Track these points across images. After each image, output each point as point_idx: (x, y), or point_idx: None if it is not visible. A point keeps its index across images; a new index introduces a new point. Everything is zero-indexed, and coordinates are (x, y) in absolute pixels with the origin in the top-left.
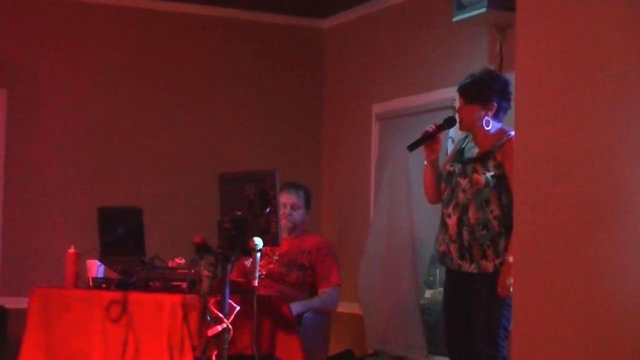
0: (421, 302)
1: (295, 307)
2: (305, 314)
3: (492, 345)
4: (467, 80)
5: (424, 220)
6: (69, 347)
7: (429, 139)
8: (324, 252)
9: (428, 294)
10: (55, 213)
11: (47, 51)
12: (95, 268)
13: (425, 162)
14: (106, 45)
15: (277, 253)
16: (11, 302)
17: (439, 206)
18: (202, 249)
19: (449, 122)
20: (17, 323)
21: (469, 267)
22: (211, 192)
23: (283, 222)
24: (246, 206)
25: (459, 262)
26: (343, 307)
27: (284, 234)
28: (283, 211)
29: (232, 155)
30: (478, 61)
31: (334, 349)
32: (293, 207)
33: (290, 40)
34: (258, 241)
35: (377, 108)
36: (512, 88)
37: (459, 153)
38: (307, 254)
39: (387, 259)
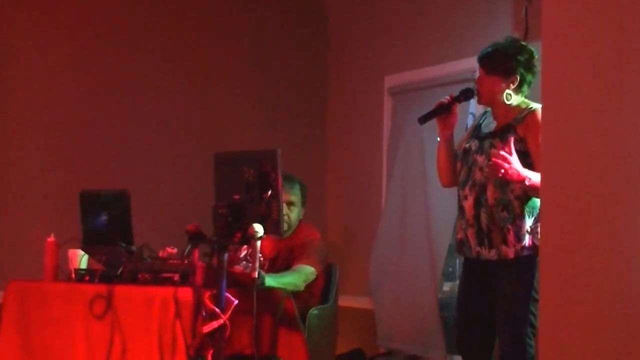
0: (439, 296)
1: (268, 280)
2: (311, 310)
3: (517, 344)
4: (489, 49)
5: (441, 206)
6: (49, 347)
7: (443, 112)
8: (307, 238)
9: (446, 287)
10: (32, 198)
11: (24, 24)
12: (78, 258)
13: (439, 139)
14: (89, 16)
15: (266, 259)
16: None
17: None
18: (195, 237)
19: (466, 94)
20: None
21: (488, 254)
22: (205, 174)
23: None
24: (244, 190)
25: (478, 248)
26: (352, 302)
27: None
28: None
29: (228, 134)
30: (501, 29)
31: (342, 347)
32: (289, 205)
33: (292, 7)
34: (258, 228)
35: (389, 81)
36: (539, 60)
37: (476, 129)
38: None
39: (401, 249)
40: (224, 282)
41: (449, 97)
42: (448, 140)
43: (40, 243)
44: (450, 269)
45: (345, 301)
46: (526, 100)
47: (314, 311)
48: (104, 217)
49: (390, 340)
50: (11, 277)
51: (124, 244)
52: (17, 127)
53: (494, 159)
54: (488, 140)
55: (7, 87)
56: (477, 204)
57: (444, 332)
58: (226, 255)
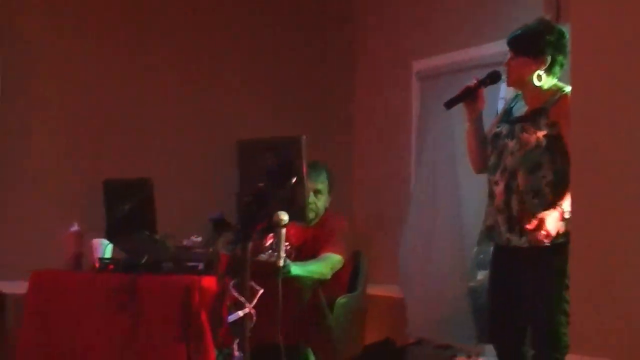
0: (471, 284)
1: (294, 268)
2: (338, 299)
3: (550, 332)
4: (518, 31)
5: (471, 192)
6: (71, 337)
7: (469, 96)
8: (334, 226)
9: (480, 275)
10: (55, 187)
11: (44, 11)
12: (101, 248)
13: (467, 123)
14: (110, 4)
15: (293, 247)
16: (9, 287)
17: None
18: (219, 225)
19: (493, 77)
20: (15, 309)
21: (518, 241)
22: (230, 162)
23: None
24: (268, 177)
25: (508, 235)
26: (381, 290)
27: (302, 224)
28: None
29: (252, 121)
30: (532, 11)
31: (371, 336)
32: (315, 194)
33: None
34: (283, 215)
35: (417, 65)
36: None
37: (507, 113)
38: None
39: (431, 236)
40: (248, 271)
41: (475, 81)
42: (476, 125)
43: (63, 232)
44: (481, 256)
45: (374, 290)
46: (559, 83)
47: (341, 300)
48: (127, 206)
49: (421, 329)
50: (34, 267)
51: (147, 233)
52: (40, 116)
53: None
54: (519, 124)
55: (29, 76)
56: (508, 190)
57: (476, 320)
58: (250, 244)
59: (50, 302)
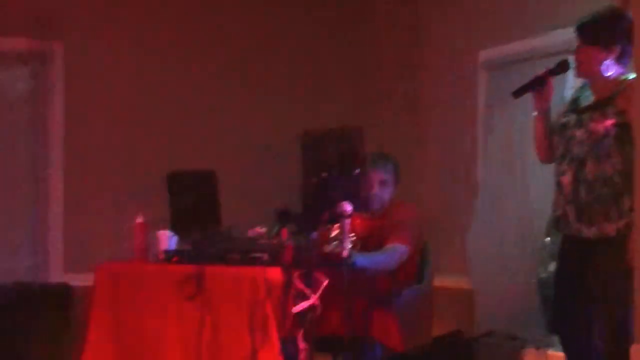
0: (543, 275)
1: (360, 260)
2: (405, 290)
3: (616, 323)
4: (587, 19)
5: (539, 182)
6: (141, 328)
7: (538, 85)
8: (400, 216)
9: (552, 266)
10: (120, 180)
11: (109, 2)
12: (167, 239)
13: (535, 113)
14: (174, 7)
15: (359, 238)
16: (76, 280)
17: None
18: (284, 216)
19: (562, 66)
20: (83, 302)
21: (588, 231)
22: (293, 153)
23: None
24: (331, 168)
25: (577, 225)
26: (449, 282)
27: (368, 215)
28: (371, 189)
29: (315, 111)
30: None
31: (440, 328)
32: (381, 185)
33: None
34: (347, 206)
35: (484, 55)
36: None
37: (574, 103)
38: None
39: (499, 227)
40: (314, 262)
41: (544, 70)
42: (544, 114)
43: (128, 225)
44: (553, 247)
45: (442, 281)
46: (627, 73)
47: (408, 291)
48: (191, 198)
49: (490, 320)
50: (100, 259)
51: (212, 224)
52: (104, 109)
53: None
54: (587, 113)
55: (93, 68)
56: (576, 180)
57: (545, 311)
58: (315, 234)
59: (117, 294)
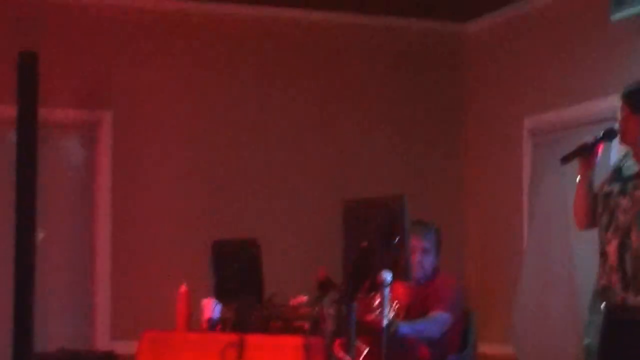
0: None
1: (403, 328)
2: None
3: None
4: (633, 87)
5: (585, 250)
6: None
7: (586, 152)
8: (443, 284)
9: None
10: (165, 248)
11: (154, 71)
12: (211, 308)
13: (579, 178)
14: (220, 60)
15: (402, 306)
16: (122, 347)
17: None
18: (325, 284)
19: (609, 135)
20: None
21: (634, 299)
22: (334, 221)
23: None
24: (373, 236)
25: (623, 294)
26: (493, 349)
27: (411, 283)
28: (413, 257)
29: (358, 180)
30: None
31: None
32: (423, 252)
33: (429, 47)
34: (387, 275)
35: (529, 122)
36: None
37: (617, 172)
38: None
39: (545, 295)
40: (354, 330)
41: (592, 138)
42: (587, 181)
43: (174, 292)
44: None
45: (486, 348)
46: None
47: (450, 359)
48: (235, 266)
49: None
50: (145, 326)
51: (255, 293)
52: (149, 178)
53: None
54: (632, 182)
55: (140, 137)
56: (622, 248)
57: None
58: (355, 303)
59: None
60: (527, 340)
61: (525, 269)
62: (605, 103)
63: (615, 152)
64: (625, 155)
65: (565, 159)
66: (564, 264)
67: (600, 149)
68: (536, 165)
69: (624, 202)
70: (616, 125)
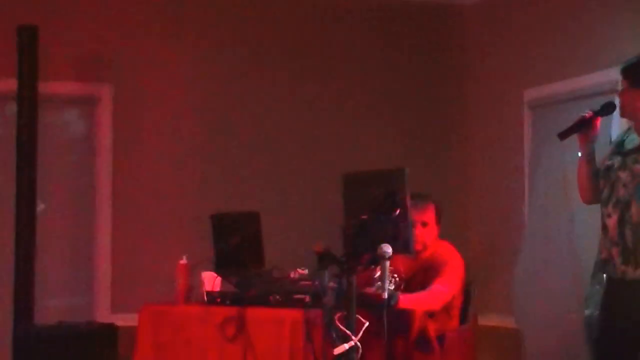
0: (589, 316)
1: (403, 301)
2: (448, 332)
3: None
4: (633, 60)
5: (586, 223)
6: None
7: (584, 127)
8: (443, 257)
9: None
10: (165, 221)
11: (154, 43)
12: (211, 281)
13: (580, 154)
14: (220, 33)
15: (402, 280)
16: (122, 320)
17: None
18: (324, 258)
19: (607, 108)
20: (128, 342)
21: (634, 273)
22: (335, 194)
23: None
24: (373, 209)
25: (623, 267)
26: (494, 321)
27: (411, 256)
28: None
29: (358, 153)
30: None
31: None
32: (423, 225)
33: (428, 21)
34: (387, 248)
35: (529, 94)
36: None
37: (619, 145)
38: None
39: (545, 266)
40: (354, 304)
41: (590, 112)
42: (589, 156)
43: (174, 265)
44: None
45: (487, 320)
46: None
47: (451, 332)
48: (235, 239)
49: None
50: (145, 299)
51: (255, 265)
52: (150, 151)
53: None
54: (631, 156)
55: (140, 110)
56: (622, 222)
57: (591, 353)
58: (355, 276)
59: (161, 334)
60: (527, 311)
61: (526, 241)
62: (606, 76)
63: (617, 126)
64: (628, 129)
65: (563, 135)
66: (564, 236)
67: (598, 123)
68: (536, 137)
69: (624, 175)
70: (616, 99)
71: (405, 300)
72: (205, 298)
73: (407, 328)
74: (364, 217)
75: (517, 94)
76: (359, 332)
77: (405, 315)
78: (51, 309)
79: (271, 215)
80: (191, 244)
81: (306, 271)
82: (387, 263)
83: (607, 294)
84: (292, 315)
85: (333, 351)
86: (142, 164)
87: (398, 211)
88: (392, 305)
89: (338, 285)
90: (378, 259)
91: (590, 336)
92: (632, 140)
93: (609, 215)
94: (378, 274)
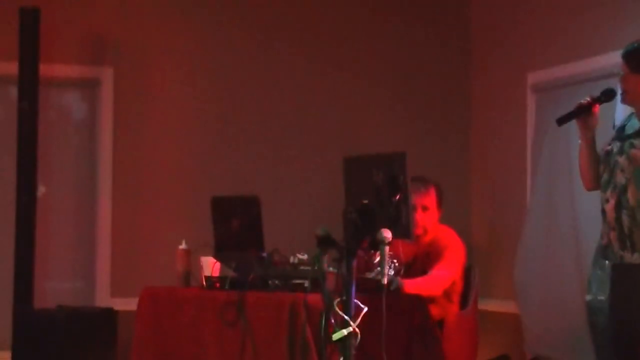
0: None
1: (403, 286)
2: (449, 317)
3: None
4: (634, 45)
5: (589, 207)
6: (182, 353)
7: (583, 113)
8: (444, 242)
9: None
10: (165, 205)
11: (155, 26)
12: (210, 266)
13: (580, 141)
14: (223, 16)
15: (403, 264)
16: (121, 304)
17: None
18: (325, 242)
19: (607, 95)
20: (127, 326)
21: (631, 257)
22: (336, 178)
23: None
24: (374, 194)
25: (621, 252)
26: (496, 306)
27: (412, 241)
28: (413, 214)
29: (360, 135)
30: None
31: (485, 353)
32: (423, 209)
33: (432, 3)
34: (387, 233)
35: (532, 77)
36: None
37: (620, 131)
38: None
39: (547, 251)
40: (353, 289)
41: (588, 98)
42: (589, 142)
43: (173, 250)
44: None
45: (488, 305)
46: None
47: (452, 317)
48: (235, 223)
49: (538, 345)
50: (145, 283)
51: (255, 250)
52: (151, 135)
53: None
54: (629, 141)
55: (142, 93)
56: (619, 206)
57: (593, 337)
58: (356, 261)
59: (161, 318)
60: (529, 296)
61: (528, 225)
62: (610, 59)
63: (620, 112)
64: (630, 115)
65: (561, 121)
66: (567, 220)
67: (597, 110)
68: (540, 121)
69: (622, 160)
70: (616, 85)
71: (407, 286)
72: (204, 283)
73: (408, 313)
74: (365, 201)
75: (521, 76)
76: (359, 317)
77: (405, 300)
78: (51, 292)
79: (271, 200)
80: (191, 228)
81: (306, 256)
82: (387, 248)
83: (611, 279)
84: (291, 299)
85: (332, 336)
86: (143, 148)
87: (398, 195)
88: (395, 290)
89: (338, 270)
90: (377, 244)
91: (592, 321)
92: (633, 126)
93: (607, 200)
94: (378, 259)
